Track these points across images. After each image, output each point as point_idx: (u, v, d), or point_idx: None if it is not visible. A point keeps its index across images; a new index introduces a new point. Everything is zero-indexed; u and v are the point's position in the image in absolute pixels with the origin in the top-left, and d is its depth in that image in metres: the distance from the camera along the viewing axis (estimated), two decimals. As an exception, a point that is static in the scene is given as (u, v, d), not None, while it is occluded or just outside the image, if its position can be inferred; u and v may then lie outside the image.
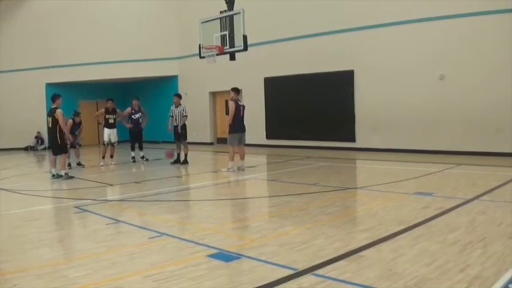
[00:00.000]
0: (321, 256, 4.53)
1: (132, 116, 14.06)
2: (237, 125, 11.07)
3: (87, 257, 4.86)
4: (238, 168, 11.11)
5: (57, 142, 10.61)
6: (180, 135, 12.70)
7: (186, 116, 12.71)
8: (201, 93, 19.72)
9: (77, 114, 12.99)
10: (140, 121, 14.14)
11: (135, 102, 14.17)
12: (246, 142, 11.61)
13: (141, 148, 14.24)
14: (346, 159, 13.10)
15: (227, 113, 11.03)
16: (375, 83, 14.34)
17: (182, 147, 12.85)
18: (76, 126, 12.78)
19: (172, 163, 13.05)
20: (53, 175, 11.01)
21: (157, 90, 21.65)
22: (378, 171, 10.95)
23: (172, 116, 12.78)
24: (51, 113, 10.56)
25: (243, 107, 11.28)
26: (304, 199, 7.58)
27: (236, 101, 11.07)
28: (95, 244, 5.33)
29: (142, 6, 20.50)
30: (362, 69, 14.67)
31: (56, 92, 11.16)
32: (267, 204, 7.73)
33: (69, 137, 11.15)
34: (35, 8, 20.92)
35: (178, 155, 13.06)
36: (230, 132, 11.08)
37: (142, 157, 14.19)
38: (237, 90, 11.27)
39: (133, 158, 14.14)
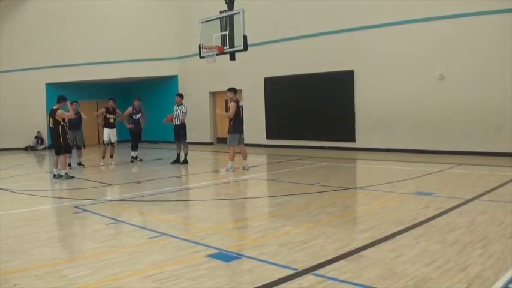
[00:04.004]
0: (321, 256, 4.53)
1: (134, 116, 14.07)
2: (237, 125, 11.10)
3: (87, 257, 4.87)
4: (243, 168, 11.16)
5: (60, 142, 10.62)
6: (180, 135, 12.74)
7: (186, 113, 12.76)
8: (201, 93, 19.73)
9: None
10: (140, 121, 14.18)
11: (136, 102, 14.18)
12: (245, 142, 11.64)
13: (136, 148, 14.28)
14: (346, 159, 13.10)
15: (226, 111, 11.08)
16: (375, 83, 14.34)
17: (182, 147, 12.88)
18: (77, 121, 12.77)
19: (172, 163, 13.06)
20: (54, 175, 11.02)
21: (158, 90, 21.65)
22: (378, 171, 10.96)
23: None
24: (52, 113, 10.56)
25: (241, 107, 11.32)
26: (304, 199, 7.58)
27: (237, 102, 11.10)
28: (95, 244, 5.34)
29: (142, 6, 20.52)
30: (362, 69, 14.66)
31: (62, 94, 11.05)
32: (267, 204, 7.73)
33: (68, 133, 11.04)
34: (35, 8, 20.90)
35: (178, 155, 13.07)
36: (230, 132, 11.10)
37: (136, 157, 14.20)
38: (234, 90, 11.27)
39: (133, 158, 14.19)
